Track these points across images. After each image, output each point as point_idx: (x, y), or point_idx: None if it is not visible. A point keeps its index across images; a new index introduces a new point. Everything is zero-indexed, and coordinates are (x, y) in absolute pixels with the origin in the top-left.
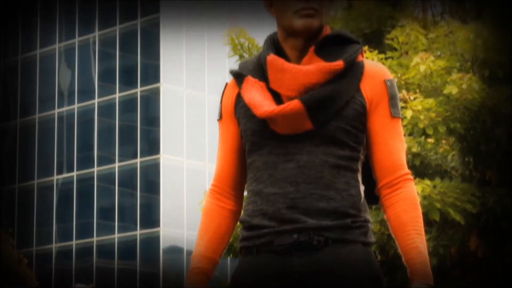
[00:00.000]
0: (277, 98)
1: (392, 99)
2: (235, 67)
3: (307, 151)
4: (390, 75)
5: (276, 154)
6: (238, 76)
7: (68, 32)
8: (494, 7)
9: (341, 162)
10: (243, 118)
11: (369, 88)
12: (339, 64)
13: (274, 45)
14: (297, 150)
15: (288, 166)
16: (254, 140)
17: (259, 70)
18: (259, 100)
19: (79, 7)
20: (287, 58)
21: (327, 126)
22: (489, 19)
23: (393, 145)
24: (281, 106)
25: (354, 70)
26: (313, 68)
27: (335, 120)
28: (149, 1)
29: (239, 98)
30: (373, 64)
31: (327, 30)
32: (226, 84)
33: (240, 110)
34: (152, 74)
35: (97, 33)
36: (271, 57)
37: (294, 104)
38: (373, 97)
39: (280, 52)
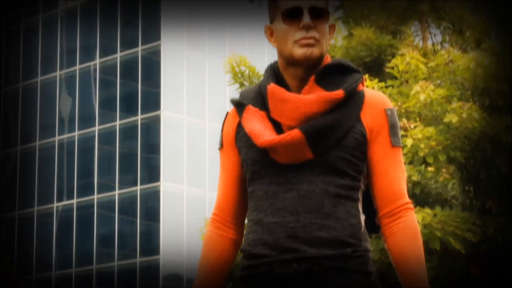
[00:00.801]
0: (278, 127)
1: (392, 128)
2: (236, 95)
3: (308, 180)
4: (390, 104)
5: (276, 184)
6: (239, 105)
7: (69, 59)
8: (494, 37)
9: (341, 192)
10: (244, 147)
11: (369, 117)
12: (339, 93)
13: (275, 74)
14: (298, 180)
15: (289, 195)
16: (255, 169)
17: (260, 99)
18: (260, 129)
19: (80, 35)
20: (287, 88)
21: (328, 155)
22: (489, 48)
23: (393, 174)
24: (282, 136)
25: (354, 100)
26: (314, 98)
27: (336, 150)
28: (150, 29)
29: (239, 127)
30: (373, 93)
31: (327, 59)
32: (227, 113)
33: (241, 139)
34: (153, 101)
35: (98, 61)
36: (272, 87)
37: (295, 134)
38: (374, 126)
39: (280, 81)
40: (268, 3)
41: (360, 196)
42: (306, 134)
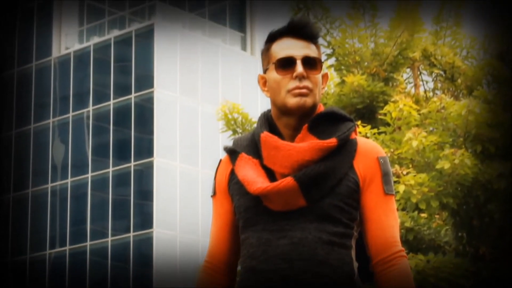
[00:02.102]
0: (271, 175)
1: (385, 176)
2: (229, 142)
3: (301, 227)
4: (383, 153)
5: (269, 231)
6: (232, 153)
7: (62, 107)
8: (486, 84)
9: (334, 239)
10: (237, 194)
11: (362, 166)
12: (332, 141)
13: (268, 123)
14: (291, 227)
15: (282, 242)
16: (248, 217)
17: (253, 147)
18: (253, 177)
19: (73, 83)
20: (281, 136)
21: (321, 203)
22: (481, 95)
23: (386, 222)
24: (275, 183)
25: (347, 148)
26: (307, 146)
27: (329, 197)
28: (143, 77)
29: (232, 174)
30: (366, 141)
31: (320, 108)
32: (220, 160)
33: (234, 186)
34: (146, 148)
35: (91, 108)
36: (265, 135)
37: (288, 181)
38: (366, 175)
39: (274, 130)
40: (262, 52)
41: (353, 243)
42: (299, 182)
